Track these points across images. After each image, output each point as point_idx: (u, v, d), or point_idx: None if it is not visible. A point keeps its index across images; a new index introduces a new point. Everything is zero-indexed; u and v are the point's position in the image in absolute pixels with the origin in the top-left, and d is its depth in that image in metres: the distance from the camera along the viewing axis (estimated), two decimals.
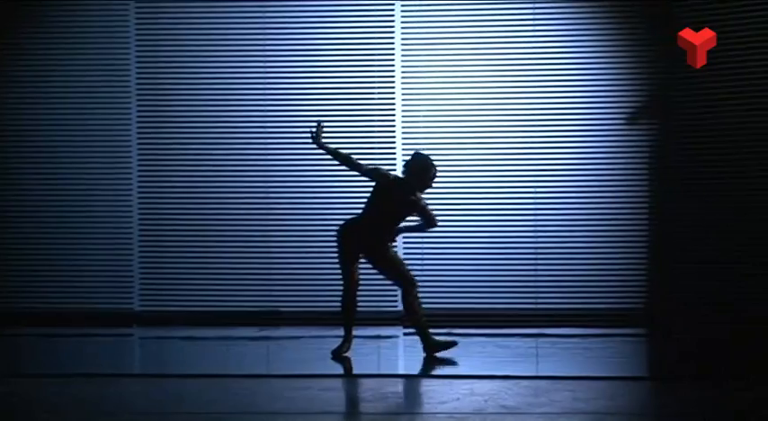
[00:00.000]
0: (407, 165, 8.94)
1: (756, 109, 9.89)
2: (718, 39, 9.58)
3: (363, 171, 8.90)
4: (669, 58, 10.21)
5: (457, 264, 10.54)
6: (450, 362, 8.66)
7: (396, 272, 8.90)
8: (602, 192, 10.46)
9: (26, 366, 8.96)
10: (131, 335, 10.51)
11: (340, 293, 8.85)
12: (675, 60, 10.07)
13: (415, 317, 8.84)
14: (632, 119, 10.44)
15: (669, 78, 10.32)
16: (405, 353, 8.83)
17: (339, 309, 8.96)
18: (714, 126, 10.07)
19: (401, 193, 8.82)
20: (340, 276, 8.84)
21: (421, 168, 8.86)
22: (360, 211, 8.97)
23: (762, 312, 9.74)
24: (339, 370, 8.46)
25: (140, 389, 7.93)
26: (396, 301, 10.17)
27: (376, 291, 10.08)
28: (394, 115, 10.64)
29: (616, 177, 10.45)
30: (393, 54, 10.64)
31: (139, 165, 10.82)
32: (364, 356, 9.11)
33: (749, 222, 9.88)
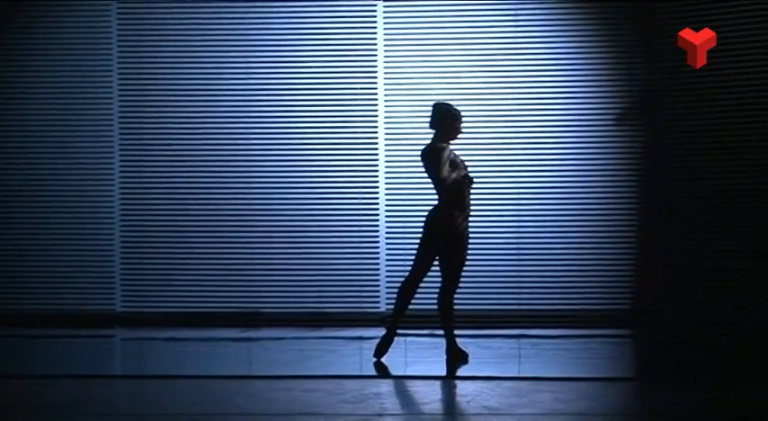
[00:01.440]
0: (430, 120, 8.60)
1: (748, 109, 9.88)
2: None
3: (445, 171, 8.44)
4: (657, 58, 10.22)
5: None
6: (432, 363, 8.65)
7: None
8: (586, 193, 10.46)
9: (7, 367, 8.91)
10: (113, 336, 10.47)
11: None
12: (664, 61, 10.09)
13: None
14: (619, 119, 10.44)
15: (657, 79, 10.32)
16: (387, 354, 8.79)
17: (438, 309, 8.61)
18: (702, 128, 10.06)
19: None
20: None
21: (439, 117, 8.57)
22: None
23: (748, 314, 9.74)
24: (320, 371, 8.43)
25: (122, 391, 7.92)
26: (378, 302, 10.19)
27: (361, 291, 10.07)
28: (376, 115, 10.62)
29: (600, 177, 10.45)
30: (375, 53, 10.63)
31: (121, 167, 10.78)
32: (346, 357, 9.10)
33: (736, 223, 9.88)
